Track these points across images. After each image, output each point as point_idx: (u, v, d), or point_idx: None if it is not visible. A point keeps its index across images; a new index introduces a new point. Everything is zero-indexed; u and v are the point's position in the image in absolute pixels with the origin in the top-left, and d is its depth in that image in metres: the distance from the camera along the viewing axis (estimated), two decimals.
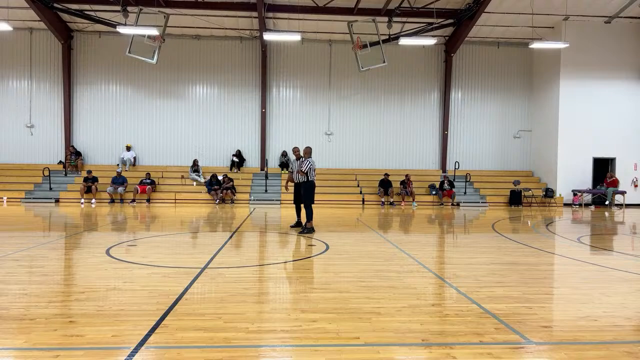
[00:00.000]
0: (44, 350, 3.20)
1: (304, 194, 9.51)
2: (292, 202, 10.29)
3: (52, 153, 20.21)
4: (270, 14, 18.46)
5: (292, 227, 10.31)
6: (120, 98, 20.43)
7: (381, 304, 4.41)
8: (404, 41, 17.24)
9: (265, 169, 19.79)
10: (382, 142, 21.14)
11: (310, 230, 9.45)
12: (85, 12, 17.69)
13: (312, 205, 9.62)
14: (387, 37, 17.78)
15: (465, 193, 19.52)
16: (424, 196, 19.27)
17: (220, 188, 18.16)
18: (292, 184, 10.14)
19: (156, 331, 3.59)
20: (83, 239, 8.60)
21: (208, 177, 18.63)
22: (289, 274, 5.85)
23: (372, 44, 17.11)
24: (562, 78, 19.19)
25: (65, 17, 18.87)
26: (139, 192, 17.70)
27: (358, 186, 19.70)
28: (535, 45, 17.38)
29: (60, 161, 19.92)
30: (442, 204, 18.62)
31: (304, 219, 9.72)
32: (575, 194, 18.99)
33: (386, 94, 21.09)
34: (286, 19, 18.95)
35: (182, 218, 12.87)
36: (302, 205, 9.86)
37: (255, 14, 17.65)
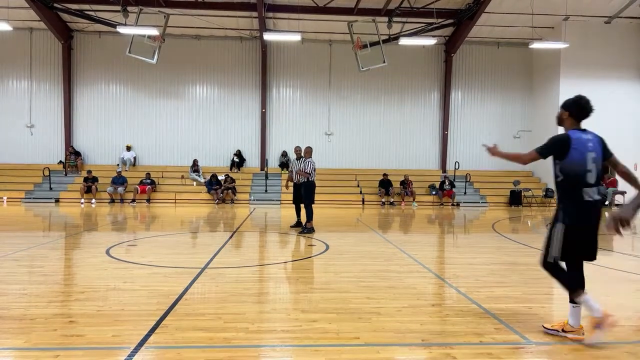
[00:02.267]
0: (44, 350, 3.20)
1: (305, 194, 9.50)
2: (292, 202, 10.29)
3: (52, 153, 20.20)
4: (270, 14, 18.45)
5: (292, 227, 10.30)
6: (120, 98, 20.43)
7: (381, 304, 4.41)
8: (404, 41, 17.23)
9: (265, 169, 19.78)
10: (382, 142, 21.14)
11: (311, 230, 9.44)
12: (85, 12, 17.69)
13: (312, 205, 9.61)
14: (387, 37, 17.78)
15: (465, 193, 19.51)
16: (424, 196, 19.26)
17: (221, 188, 18.16)
18: (292, 183, 10.14)
19: (156, 331, 3.59)
20: (83, 239, 8.60)
21: (208, 177, 18.64)
22: (289, 274, 5.85)
23: (372, 44, 17.11)
24: (562, 78, 19.18)
25: (65, 17, 18.87)
26: (139, 192, 17.70)
27: (358, 186, 19.70)
28: (535, 45, 17.39)
29: (60, 161, 19.91)
30: (442, 204, 18.62)
31: (303, 219, 9.72)
32: None
33: (386, 94, 21.08)
34: (286, 19, 18.94)
35: (182, 218, 12.87)
36: (302, 205, 9.86)
37: (255, 14, 17.65)
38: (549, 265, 3.62)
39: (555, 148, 3.51)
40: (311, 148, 9.90)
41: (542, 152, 3.57)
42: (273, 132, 20.89)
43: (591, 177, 3.49)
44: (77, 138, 20.34)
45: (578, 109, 3.60)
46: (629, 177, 3.69)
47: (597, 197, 3.50)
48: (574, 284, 3.55)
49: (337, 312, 4.14)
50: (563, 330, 3.57)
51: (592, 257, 3.60)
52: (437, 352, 3.28)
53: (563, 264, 3.64)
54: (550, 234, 3.59)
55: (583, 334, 3.52)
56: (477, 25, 18.80)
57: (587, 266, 6.43)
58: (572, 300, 3.55)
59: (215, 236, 9.28)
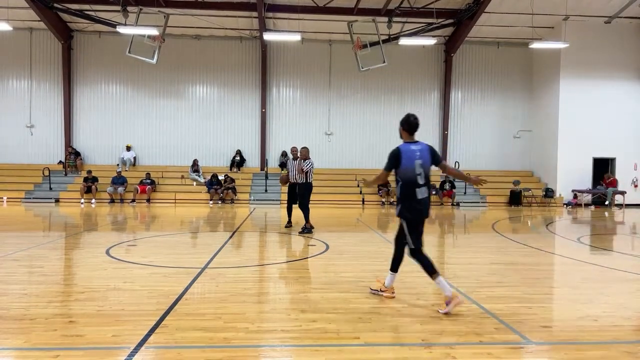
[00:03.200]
0: (44, 350, 3.20)
1: (303, 195, 9.46)
2: (287, 202, 10.16)
3: (52, 153, 20.19)
4: (270, 14, 18.44)
5: (287, 227, 10.18)
6: (120, 98, 20.42)
7: (381, 304, 4.42)
8: (404, 41, 17.22)
9: (265, 169, 19.78)
10: (382, 142, 21.09)
11: (310, 230, 9.43)
12: (85, 12, 17.68)
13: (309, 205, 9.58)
14: (387, 37, 17.77)
15: (465, 193, 19.51)
16: None
17: (221, 188, 18.18)
18: (285, 184, 10.07)
19: (156, 331, 3.59)
20: (83, 239, 8.60)
21: (208, 177, 18.64)
22: (289, 274, 5.86)
23: (372, 44, 17.10)
24: (562, 78, 19.17)
25: (65, 17, 18.86)
26: (139, 192, 17.70)
27: (358, 186, 19.69)
28: (535, 45, 17.37)
29: (60, 161, 19.91)
30: (442, 204, 18.61)
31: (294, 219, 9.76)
32: (575, 195, 18.98)
33: (386, 93, 21.07)
34: (286, 19, 18.93)
35: (182, 218, 12.87)
36: (294, 206, 9.86)
37: (255, 14, 17.65)
38: (414, 253, 4.45)
39: (392, 161, 4.45)
40: (308, 149, 9.82)
41: (386, 167, 4.51)
42: (273, 132, 20.88)
43: (421, 179, 4.40)
44: (77, 138, 20.34)
45: (407, 124, 4.55)
46: (458, 174, 4.95)
47: (425, 194, 4.44)
48: (431, 266, 4.39)
49: (337, 312, 4.14)
50: (380, 290, 4.65)
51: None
52: (437, 352, 3.28)
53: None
54: (401, 229, 4.51)
55: (393, 292, 4.63)
56: (477, 25, 18.80)
57: (587, 266, 6.44)
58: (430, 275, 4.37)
59: (215, 236, 9.28)
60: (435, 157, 4.51)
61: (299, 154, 9.75)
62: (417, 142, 4.53)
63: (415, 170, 4.36)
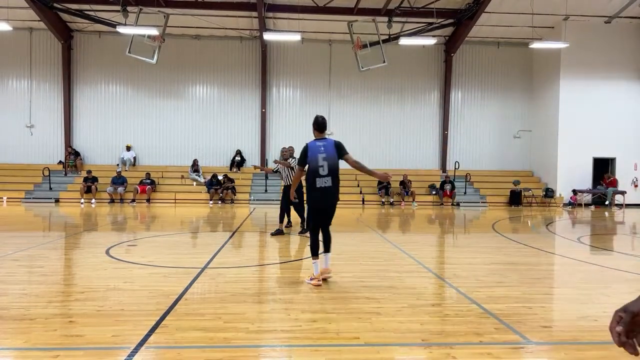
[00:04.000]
0: (44, 350, 3.20)
1: (296, 197, 9.44)
2: (284, 204, 10.02)
3: (52, 153, 20.19)
4: (270, 14, 18.45)
5: (287, 227, 10.11)
6: (120, 98, 20.42)
7: (381, 304, 4.42)
8: (404, 41, 17.23)
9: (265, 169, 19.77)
10: (382, 142, 21.14)
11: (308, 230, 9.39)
12: (85, 12, 17.68)
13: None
14: (387, 37, 17.77)
15: (465, 193, 19.50)
16: (424, 196, 19.26)
17: (220, 188, 18.19)
18: (283, 184, 10.08)
19: (156, 331, 3.59)
20: (83, 239, 8.60)
21: (208, 177, 18.63)
22: (289, 274, 5.86)
23: (372, 44, 17.10)
24: (562, 78, 19.17)
25: (65, 17, 18.86)
26: (139, 192, 17.70)
27: (358, 186, 19.69)
28: (535, 45, 17.37)
29: (60, 161, 19.91)
30: (442, 204, 18.61)
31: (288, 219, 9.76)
32: (575, 192, 18.98)
33: (386, 93, 21.07)
34: (286, 19, 18.93)
35: (182, 218, 12.87)
36: (291, 207, 9.82)
37: (255, 14, 17.65)
38: (310, 230, 5.37)
39: (302, 156, 5.21)
40: (288, 148, 9.78)
41: (298, 162, 5.31)
42: (273, 132, 20.88)
43: (323, 171, 5.08)
44: (77, 138, 20.34)
45: (317, 124, 5.27)
46: (360, 167, 5.39)
47: (327, 184, 5.10)
48: (315, 248, 5.23)
49: (337, 312, 4.14)
50: (310, 279, 5.12)
51: (328, 223, 5.46)
52: (437, 352, 3.28)
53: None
54: (307, 211, 5.30)
55: (319, 280, 5.06)
56: (477, 25, 18.79)
57: (587, 266, 6.44)
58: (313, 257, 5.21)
59: (215, 236, 9.28)
60: (340, 151, 5.19)
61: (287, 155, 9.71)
62: (324, 138, 5.26)
63: (318, 163, 5.05)
